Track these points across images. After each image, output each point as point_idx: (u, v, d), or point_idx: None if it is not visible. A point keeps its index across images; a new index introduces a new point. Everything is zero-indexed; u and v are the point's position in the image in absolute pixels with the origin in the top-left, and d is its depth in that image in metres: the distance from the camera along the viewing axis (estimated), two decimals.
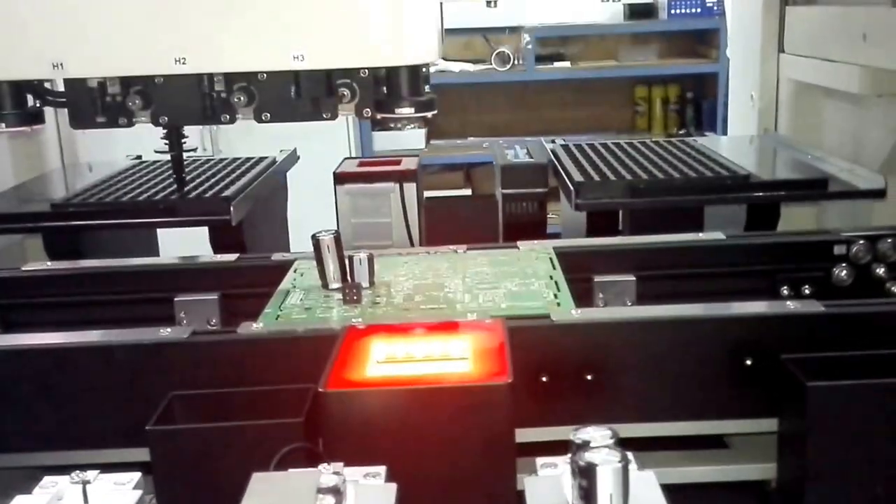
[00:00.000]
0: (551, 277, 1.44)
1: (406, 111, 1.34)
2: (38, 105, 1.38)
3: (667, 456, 1.27)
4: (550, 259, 1.53)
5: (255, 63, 1.28)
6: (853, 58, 2.06)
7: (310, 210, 2.27)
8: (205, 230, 1.89)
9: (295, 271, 1.52)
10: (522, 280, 1.43)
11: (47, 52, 1.26)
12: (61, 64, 1.26)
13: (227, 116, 1.36)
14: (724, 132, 3.57)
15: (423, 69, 1.34)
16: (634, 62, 5.39)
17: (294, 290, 1.43)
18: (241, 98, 1.33)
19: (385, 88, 1.34)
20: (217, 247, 1.88)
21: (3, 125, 1.35)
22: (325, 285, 1.42)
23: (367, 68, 1.31)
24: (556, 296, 1.36)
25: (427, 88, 1.36)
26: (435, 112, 1.36)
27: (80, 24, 1.25)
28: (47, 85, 1.40)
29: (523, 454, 1.03)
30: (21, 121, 1.36)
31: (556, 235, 2.15)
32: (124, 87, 1.34)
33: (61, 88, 1.38)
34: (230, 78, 1.34)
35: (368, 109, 1.35)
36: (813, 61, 2.32)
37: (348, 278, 1.41)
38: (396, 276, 1.48)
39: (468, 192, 5.08)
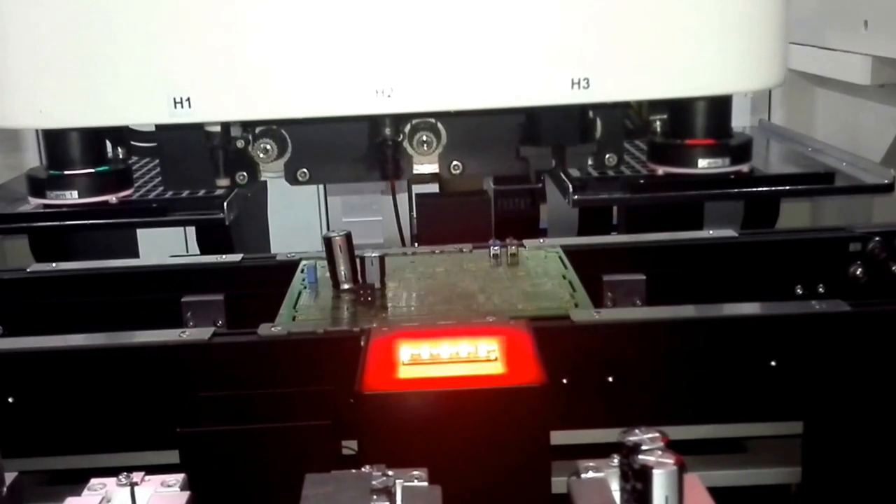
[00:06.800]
0: (564, 277, 1.47)
1: None
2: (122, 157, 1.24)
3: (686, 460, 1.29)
4: (560, 258, 1.56)
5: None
6: (853, 46, 2.09)
7: (295, 208, 2.30)
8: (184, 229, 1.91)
9: (302, 271, 1.54)
10: (535, 280, 1.47)
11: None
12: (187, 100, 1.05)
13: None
14: None
15: None
16: None
17: (305, 291, 1.46)
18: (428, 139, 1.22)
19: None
20: (204, 245, 1.90)
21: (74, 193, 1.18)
22: (337, 285, 1.44)
23: None
24: (572, 296, 1.40)
25: None
26: None
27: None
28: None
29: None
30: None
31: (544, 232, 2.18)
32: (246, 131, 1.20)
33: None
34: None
35: None
36: (809, 49, 2.34)
37: (360, 279, 1.44)
38: (406, 277, 1.51)
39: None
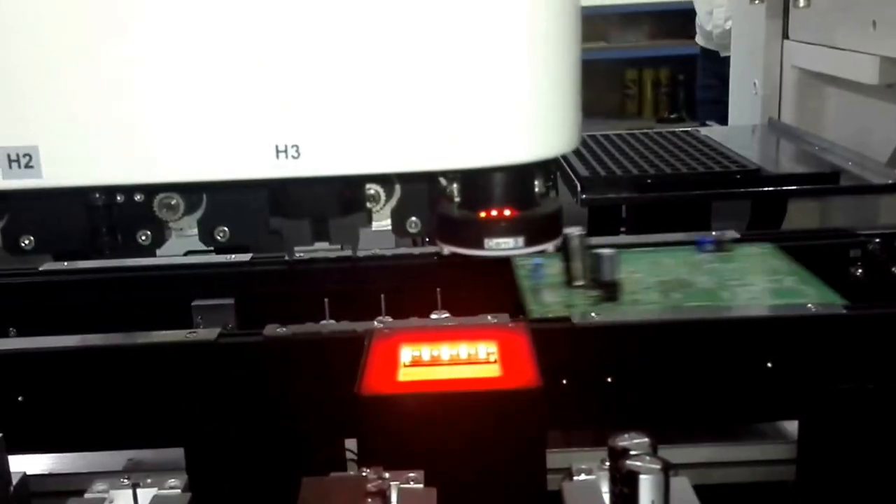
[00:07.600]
0: (796, 274, 1.48)
1: None
2: None
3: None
4: (778, 256, 1.56)
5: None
6: (862, 46, 2.10)
7: None
8: None
9: (522, 269, 1.53)
10: (770, 277, 1.47)
11: None
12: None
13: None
14: (706, 116, 3.60)
15: None
16: (625, 43, 5.39)
17: (542, 289, 1.47)
18: None
19: None
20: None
21: None
22: (570, 282, 1.44)
23: None
24: (818, 292, 1.41)
25: None
26: None
27: None
28: None
29: None
30: None
31: None
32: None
33: None
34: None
35: None
36: (819, 49, 2.35)
37: (593, 276, 1.43)
38: (630, 274, 1.50)
39: None
